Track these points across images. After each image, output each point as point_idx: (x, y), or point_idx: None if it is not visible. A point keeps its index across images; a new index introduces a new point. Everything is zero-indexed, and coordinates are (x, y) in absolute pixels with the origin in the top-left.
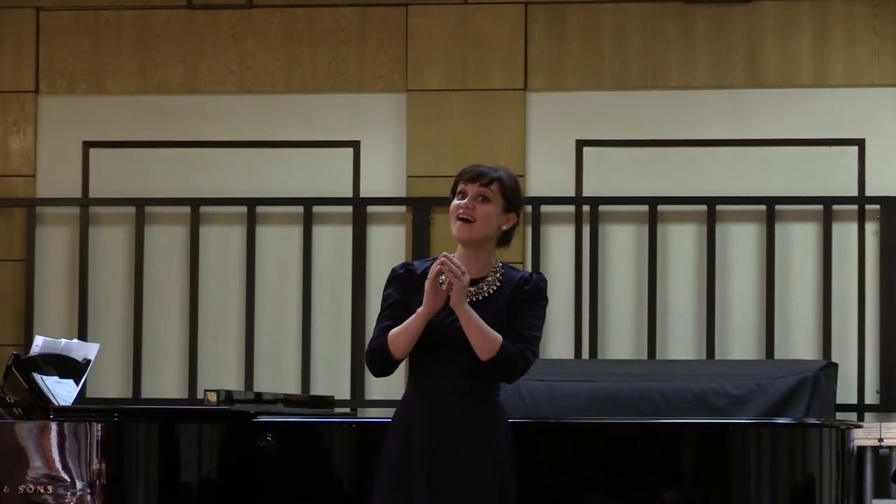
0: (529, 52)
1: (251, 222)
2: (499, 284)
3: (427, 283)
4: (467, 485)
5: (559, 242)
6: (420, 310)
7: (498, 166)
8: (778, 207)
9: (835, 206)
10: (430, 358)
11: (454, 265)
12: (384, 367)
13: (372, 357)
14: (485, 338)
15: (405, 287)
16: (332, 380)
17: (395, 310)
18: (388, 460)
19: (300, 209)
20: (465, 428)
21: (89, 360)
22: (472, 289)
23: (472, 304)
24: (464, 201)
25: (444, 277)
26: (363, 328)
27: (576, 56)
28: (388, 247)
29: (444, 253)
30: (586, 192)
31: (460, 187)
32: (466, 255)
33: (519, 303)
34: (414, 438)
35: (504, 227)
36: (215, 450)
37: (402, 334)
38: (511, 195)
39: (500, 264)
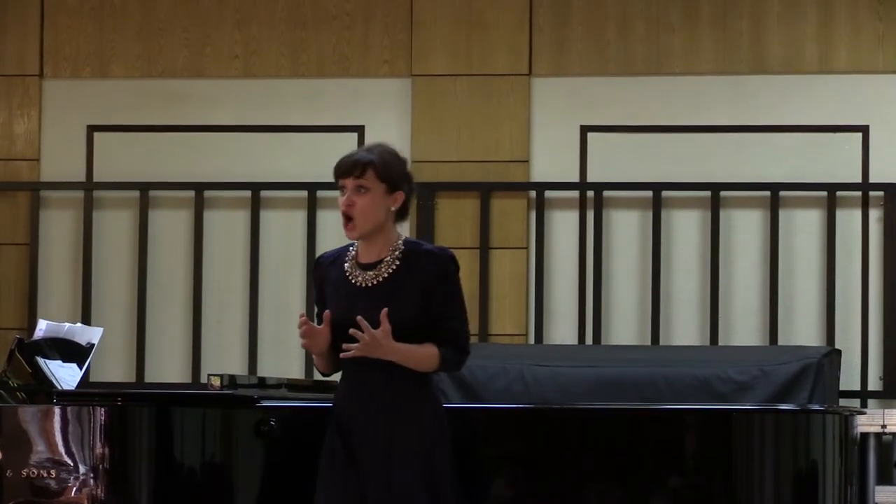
0: (534, 36)
1: (255, 207)
2: (398, 264)
3: (301, 336)
4: (396, 467)
5: (563, 228)
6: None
7: (374, 145)
8: (782, 194)
9: (839, 193)
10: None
11: (362, 336)
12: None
13: None
14: (421, 361)
15: (319, 283)
16: None
17: (319, 309)
18: (323, 456)
19: (304, 194)
20: (393, 409)
21: (93, 345)
22: (370, 273)
23: (371, 287)
24: (343, 197)
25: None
26: None
27: (580, 41)
28: None
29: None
30: (590, 178)
31: (340, 182)
32: (364, 243)
33: (430, 292)
34: (344, 430)
35: (393, 208)
36: (218, 434)
37: (317, 363)
38: (389, 175)
39: (401, 241)
